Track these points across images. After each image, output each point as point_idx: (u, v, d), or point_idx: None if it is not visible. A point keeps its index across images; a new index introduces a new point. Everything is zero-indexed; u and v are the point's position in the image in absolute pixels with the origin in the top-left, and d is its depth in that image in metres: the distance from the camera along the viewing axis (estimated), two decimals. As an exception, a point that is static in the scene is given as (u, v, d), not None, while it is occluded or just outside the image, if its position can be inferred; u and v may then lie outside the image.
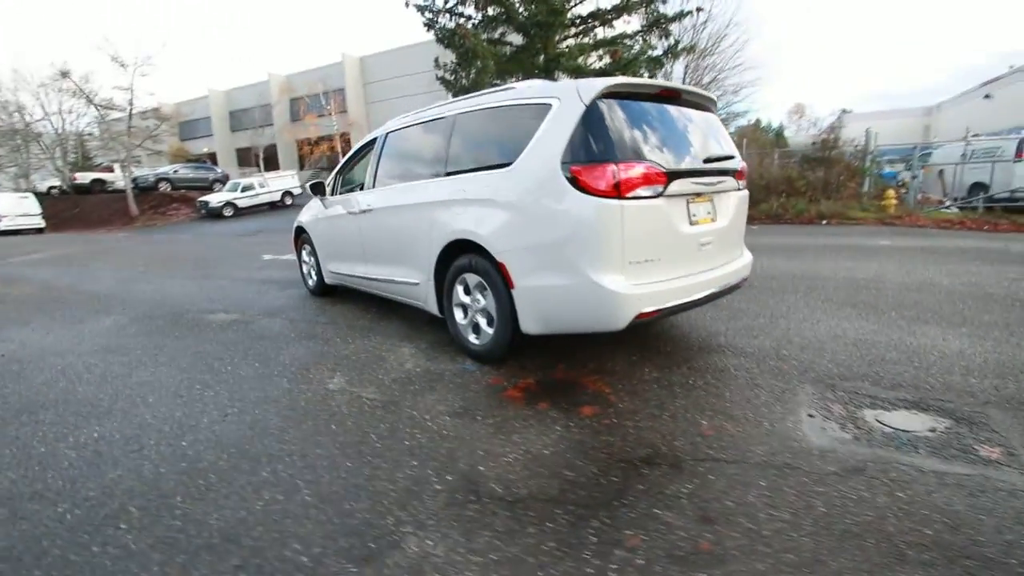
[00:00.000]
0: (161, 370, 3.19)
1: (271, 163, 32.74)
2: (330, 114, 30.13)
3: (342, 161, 4.66)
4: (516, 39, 15.89)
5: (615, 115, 2.49)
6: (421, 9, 15.71)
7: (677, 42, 15.44)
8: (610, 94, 2.52)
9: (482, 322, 3.02)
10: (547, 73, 15.72)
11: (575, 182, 2.41)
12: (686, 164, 2.67)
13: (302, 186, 24.45)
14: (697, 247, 2.75)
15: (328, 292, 5.07)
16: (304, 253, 5.31)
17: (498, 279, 2.80)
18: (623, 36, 15.73)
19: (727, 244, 3.02)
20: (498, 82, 15.43)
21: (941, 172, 12.44)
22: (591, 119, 2.45)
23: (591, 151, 2.42)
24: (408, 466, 1.98)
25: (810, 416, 2.27)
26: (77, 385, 3.00)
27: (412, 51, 27.95)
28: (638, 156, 2.46)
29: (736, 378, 2.70)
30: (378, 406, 2.54)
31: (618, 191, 2.36)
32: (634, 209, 2.41)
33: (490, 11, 15.23)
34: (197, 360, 3.35)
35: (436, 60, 15.86)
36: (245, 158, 34.65)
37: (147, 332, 4.12)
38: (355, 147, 4.52)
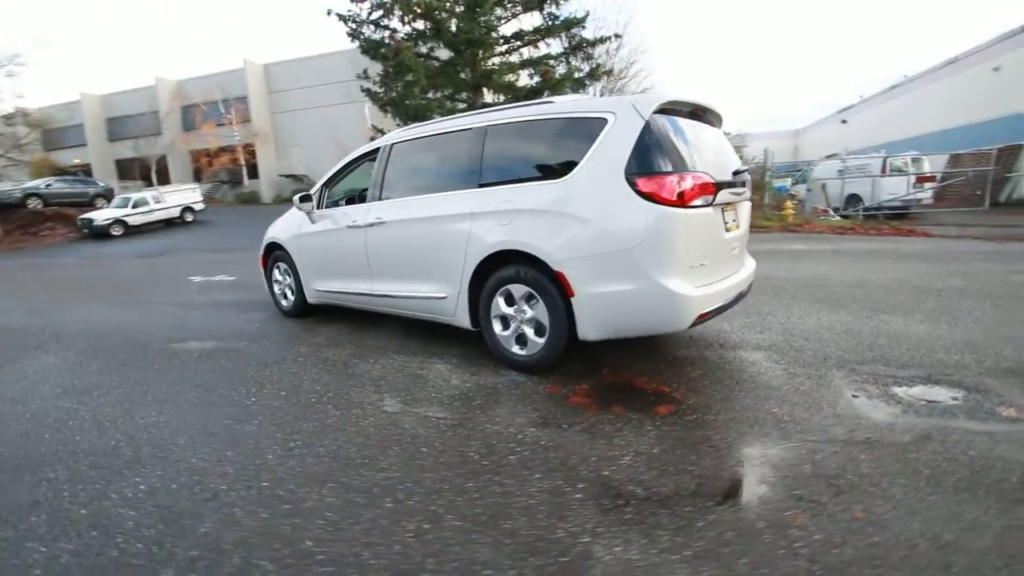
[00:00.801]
0: (168, 408, 2.80)
1: (162, 176, 29.51)
2: (231, 124, 27.94)
3: (330, 173, 4.41)
4: (442, 53, 15.95)
5: (668, 129, 2.67)
6: (344, 19, 15.25)
7: (599, 65, 16.43)
8: (659, 110, 2.70)
9: (529, 332, 3.03)
10: (476, 89, 15.98)
11: (642, 192, 2.54)
12: (721, 176, 2.91)
13: (205, 200, 22.34)
14: (730, 252, 3.01)
15: (307, 312, 4.73)
16: (276, 272, 4.91)
17: (553, 288, 2.84)
18: (548, 57, 16.43)
19: (743, 249, 3.32)
20: (429, 96, 15.37)
21: (824, 185, 14.43)
22: (650, 133, 2.60)
23: (654, 163, 2.57)
24: (532, 479, 1.95)
25: (855, 396, 2.57)
26: (70, 433, 2.53)
27: (326, 61, 26.82)
28: (691, 168, 2.66)
29: (772, 369, 2.97)
30: (455, 424, 2.45)
31: (682, 200, 2.54)
32: (695, 216, 2.59)
33: (418, 25, 15.16)
34: (206, 394, 2.97)
35: (364, 71, 15.43)
36: (128, 170, 30.89)
37: (113, 368, 3.56)
38: (346, 159, 4.30)
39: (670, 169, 2.57)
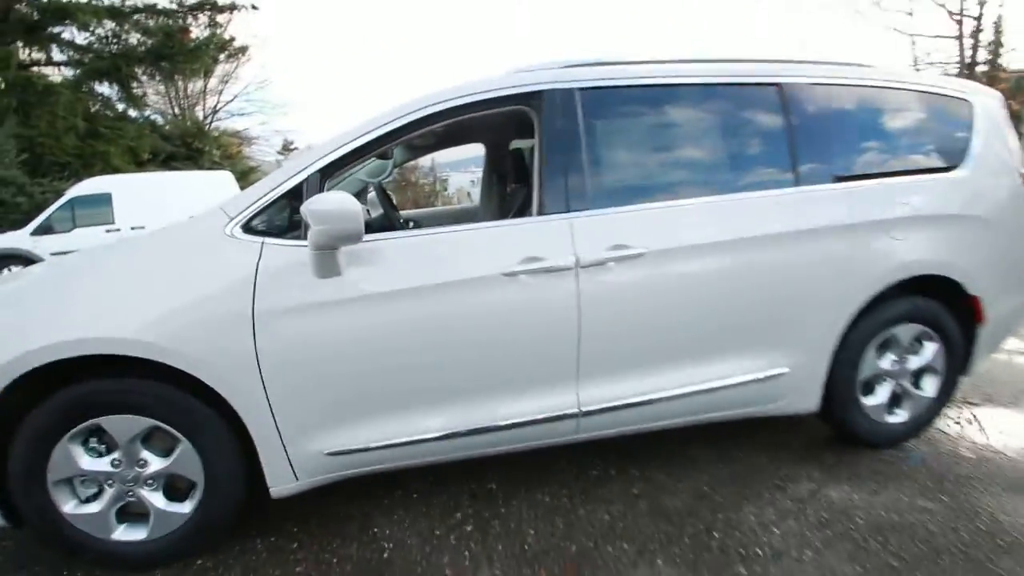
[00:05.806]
0: None
1: None
2: None
3: (335, 153, 1.68)
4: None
5: None
6: None
7: (233, 38, 12.91)
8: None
9: (910, 388, 2.14)
10: (29, 32, 9.64)
11: (1036, 186, 2.20)
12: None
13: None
14: None
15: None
16: (86, 457, 1.50)
17: (951, 321, 2.10)
18: (152, 10, 11.59)
19: None
20: None
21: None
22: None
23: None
24: None
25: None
26: None
27: None
28: None
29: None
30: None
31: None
32: None
33: None
34: None
35: None
36: None
37: None
38: (379, 124, 1.70)
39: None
